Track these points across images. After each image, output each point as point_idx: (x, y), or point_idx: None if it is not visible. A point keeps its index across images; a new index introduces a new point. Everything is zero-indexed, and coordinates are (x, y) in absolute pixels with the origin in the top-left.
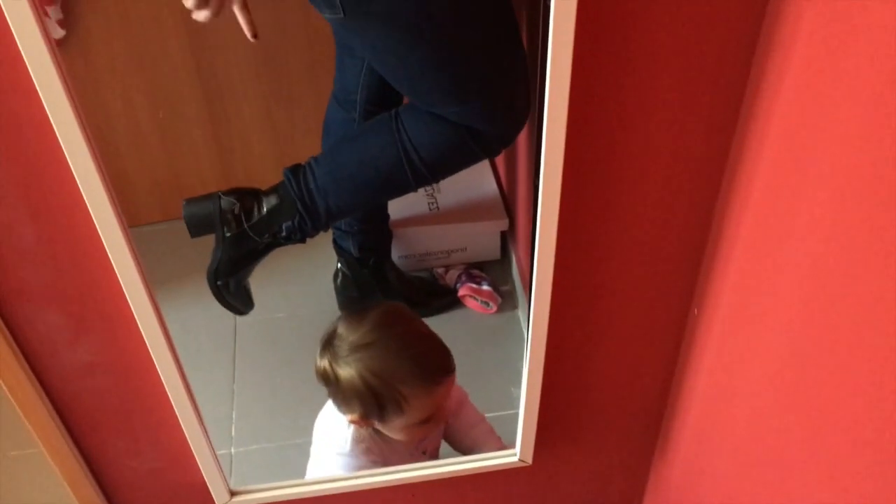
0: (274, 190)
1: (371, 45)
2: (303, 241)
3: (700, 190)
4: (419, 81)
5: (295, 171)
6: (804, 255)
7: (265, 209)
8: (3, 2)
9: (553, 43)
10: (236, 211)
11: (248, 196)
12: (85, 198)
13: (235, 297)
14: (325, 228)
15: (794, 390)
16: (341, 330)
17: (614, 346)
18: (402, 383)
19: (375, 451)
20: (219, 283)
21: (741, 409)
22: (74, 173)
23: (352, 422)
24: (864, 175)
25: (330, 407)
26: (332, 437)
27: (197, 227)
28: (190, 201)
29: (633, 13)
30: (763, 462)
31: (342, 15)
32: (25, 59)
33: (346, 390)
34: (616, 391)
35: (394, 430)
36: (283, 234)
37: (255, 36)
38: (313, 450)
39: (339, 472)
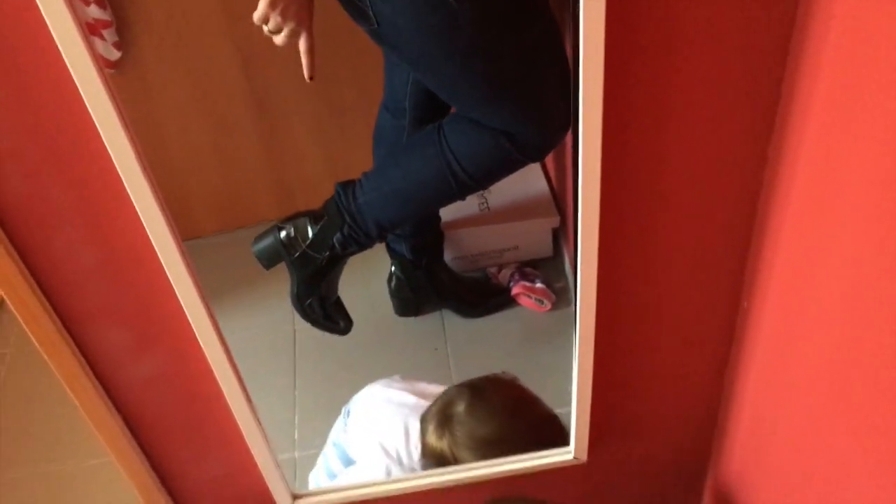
0: (323, 207)
1: (407, 56)
2: (362, 250)
3: (743, 180)
4: (456, 89)
5: (345, 185)
6: (852, 242)
7: (317, 228)
8: (55, 33)
9: (584, 38)
10: (293, 235)
11: (300, 220)
12: (141, 218)
13: (327, 316)
14: (380, 240)
15: (848, 379)
16: (460, 411)
17: (665, 341)
18: None
19: None
20: (304, 305)
21: (796, 400)
22: (130, 195)
23: None
24: None
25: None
26: (397, 442)
27: (267, 260)
28: (256, 239)
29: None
30: (821, 454)
31: (376, 26)
32: (78, 87)
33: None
34: (669, 386)
35: None
36: (337, 248)
37: (311, 78)
38: (360, 426)
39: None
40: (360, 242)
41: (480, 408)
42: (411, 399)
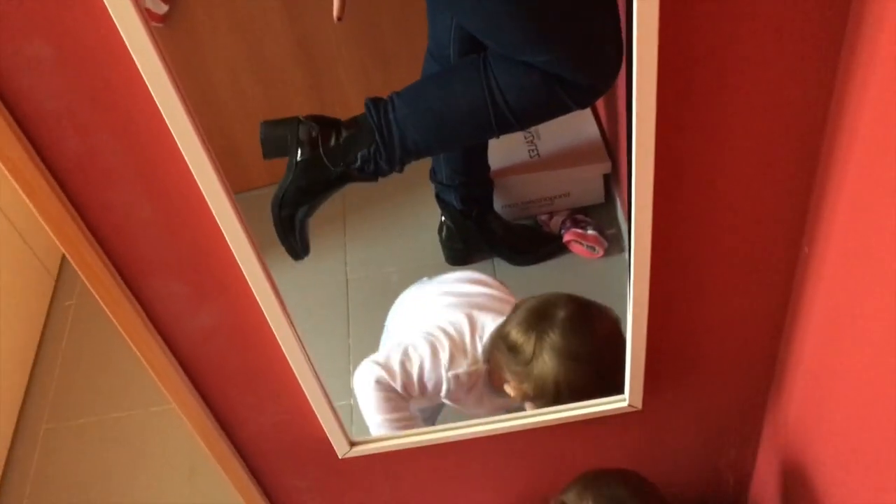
0: (353, 119)
1: None
2: (375, 177)
3: (807, 120)
4: (500, 31)
5: (376, 101)
6: None
7: (343, 137)
8: None
9: None
10: (314, 134)
11: (327, 123)
12: (193, 172)
13: (297, 234)
14: (399, 167)
15: None
16: (562, 316)
17: (722, 288)
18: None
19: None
20: (282, 212)
21: (857, 350)
22: (182, 150)
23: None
24: None
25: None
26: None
27: (271, 148)
28: (269, 122)
29: None
30: (882, 404)
31: None
32: (126, 42)
33: (533, 377)
34: (726, 333)
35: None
36: (357, 164)
37: (339, 19)
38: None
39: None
40: (377, 165)
41: (583, 322)
42: (463, 286)
